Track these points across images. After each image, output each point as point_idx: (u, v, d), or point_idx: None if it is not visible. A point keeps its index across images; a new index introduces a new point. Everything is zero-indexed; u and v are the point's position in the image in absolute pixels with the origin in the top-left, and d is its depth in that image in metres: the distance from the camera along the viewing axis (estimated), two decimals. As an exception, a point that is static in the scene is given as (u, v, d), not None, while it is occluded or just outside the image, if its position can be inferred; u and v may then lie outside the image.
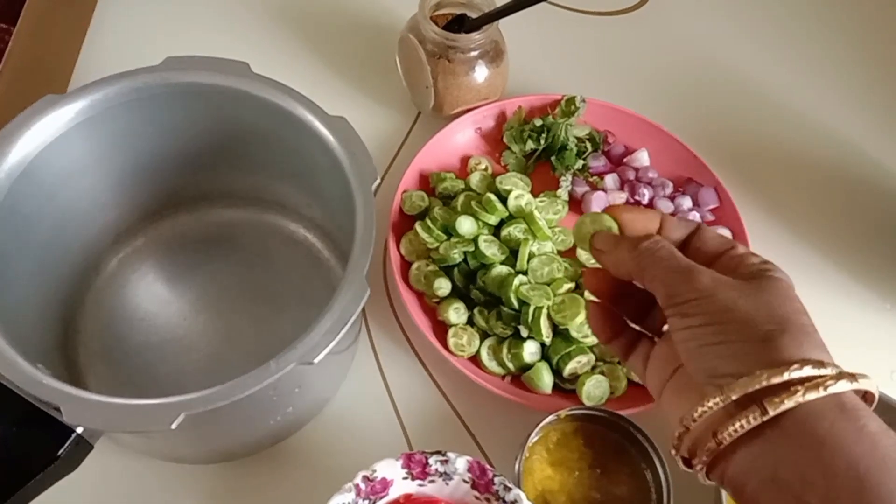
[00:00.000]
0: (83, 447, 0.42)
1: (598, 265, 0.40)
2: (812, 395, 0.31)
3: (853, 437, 0.30)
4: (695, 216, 0.65)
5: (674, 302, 0.35)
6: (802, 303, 0.35)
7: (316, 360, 0.42)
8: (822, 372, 0.31)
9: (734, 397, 0.32)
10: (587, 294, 0.55)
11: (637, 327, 0.42)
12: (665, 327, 0.40)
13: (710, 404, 0.32)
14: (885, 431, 0.31)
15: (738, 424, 0.32)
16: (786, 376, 0.31)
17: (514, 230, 0.61)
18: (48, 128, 0.49)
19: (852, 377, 0.31)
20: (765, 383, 0.31)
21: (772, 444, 0.31)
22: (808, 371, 0.31)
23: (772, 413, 0.31)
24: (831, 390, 0.31)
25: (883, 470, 0.29)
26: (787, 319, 0.33)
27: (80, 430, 0.41)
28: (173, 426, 0.39)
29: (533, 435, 0.52)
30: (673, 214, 0.64)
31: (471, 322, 0.60)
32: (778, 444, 0.31)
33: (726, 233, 0.64)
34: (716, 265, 0.36)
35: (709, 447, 0.33)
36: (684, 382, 0.37)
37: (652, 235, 0.38)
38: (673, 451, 0.36)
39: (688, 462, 0.35)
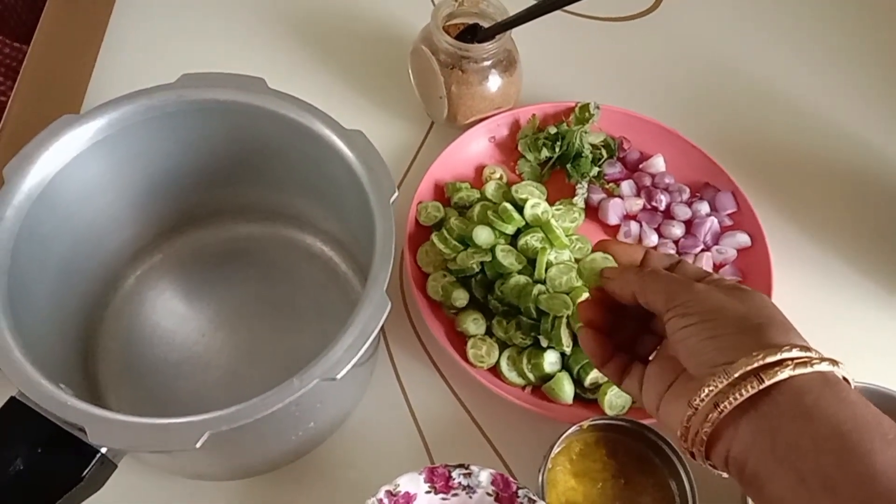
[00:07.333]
0: (107, 467, 0.42)
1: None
2: (801, 370, 0.35)
3: (836, 405, 0.35)
4: (713, 221, 0.64)
5: (673, 305, 0.40)
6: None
7: (339, 376, 0.41)
8: (809, 354, 0.36)
9: (737, 375, 0.36)
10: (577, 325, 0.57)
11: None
12: (652, 356, 0.45)
13: (716, 383, 0.36)
14: (863, 401, 0.35)
15: (737, 393, 0.36)
16: (779, 356, 0.36)
17: (532, 239, 0.60)
18: (66, 148, 0.49)
19: (834, 362, 0.36)
20: (762, 361, 0.36)
21: (768, 418, 0.36)
22: (796, 353, 0.36)
23: (767, 382, 0.35)
24: (817, 368, 0.36)
25: (862, 431, 0.33)
26: (771, 316, 0.39)
27: (104, 450, 0.41)
28: (198, 445, 0.39)
29: (556, 446, 0.52)
30: (691, 220, 0.65)
31: (490, 332, 0.59)
32: (772, 417, 0.36)
33: (745, 238, 0.64)
34: None
35: (711, 417, 0.37)
36: (682, 390, 0.40)
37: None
38: (681, 440, 0.39)
39: (694, 455, 0.39)
